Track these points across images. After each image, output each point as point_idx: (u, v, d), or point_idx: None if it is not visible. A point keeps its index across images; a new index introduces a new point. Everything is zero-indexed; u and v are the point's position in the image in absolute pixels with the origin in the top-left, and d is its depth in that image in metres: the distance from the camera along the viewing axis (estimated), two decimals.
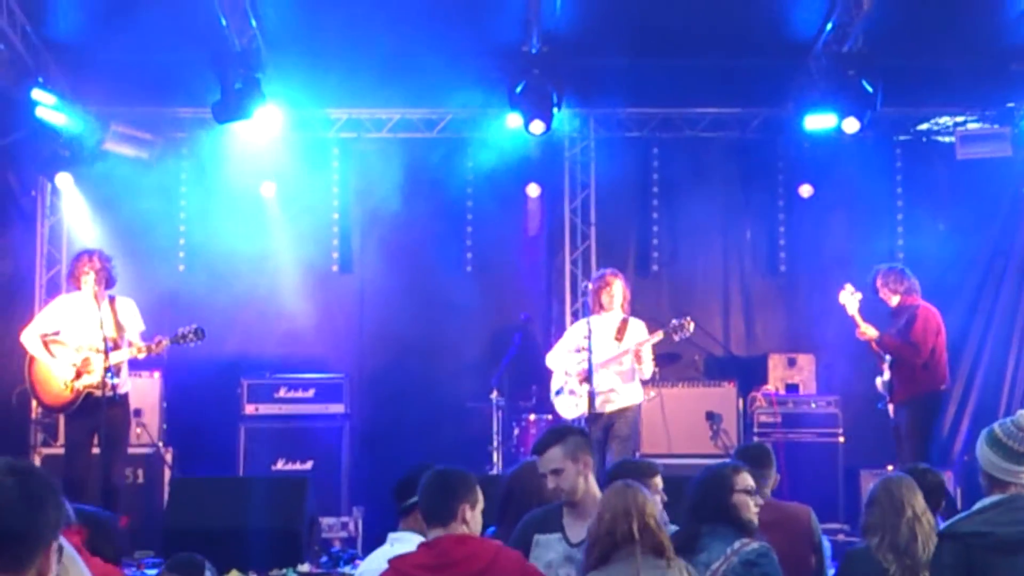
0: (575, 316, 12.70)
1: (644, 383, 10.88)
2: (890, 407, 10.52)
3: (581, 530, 6.41)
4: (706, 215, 13.25)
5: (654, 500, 5.88)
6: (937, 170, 13.16)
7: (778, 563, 6.39)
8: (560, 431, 6.99)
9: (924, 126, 13.27)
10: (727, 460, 7.13)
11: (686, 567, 5.80)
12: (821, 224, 13.20)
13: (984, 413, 12.86)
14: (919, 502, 6.29)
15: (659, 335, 10.59)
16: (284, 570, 9.39)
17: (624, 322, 10.82)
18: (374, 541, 9.59)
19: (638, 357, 10.54)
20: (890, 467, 9.23)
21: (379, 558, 6.22)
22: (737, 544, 6.34)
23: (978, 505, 5.81)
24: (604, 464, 10.46)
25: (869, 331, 10.42)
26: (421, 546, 5.72)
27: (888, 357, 10.45)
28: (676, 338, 10.69)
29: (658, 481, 6.82)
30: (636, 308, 11.16)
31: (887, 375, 10.47)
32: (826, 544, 7.82)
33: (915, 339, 10.48)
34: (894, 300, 10.72)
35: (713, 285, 13.37)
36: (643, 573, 5.71)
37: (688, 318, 10.62)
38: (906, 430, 10.46)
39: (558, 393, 10.93)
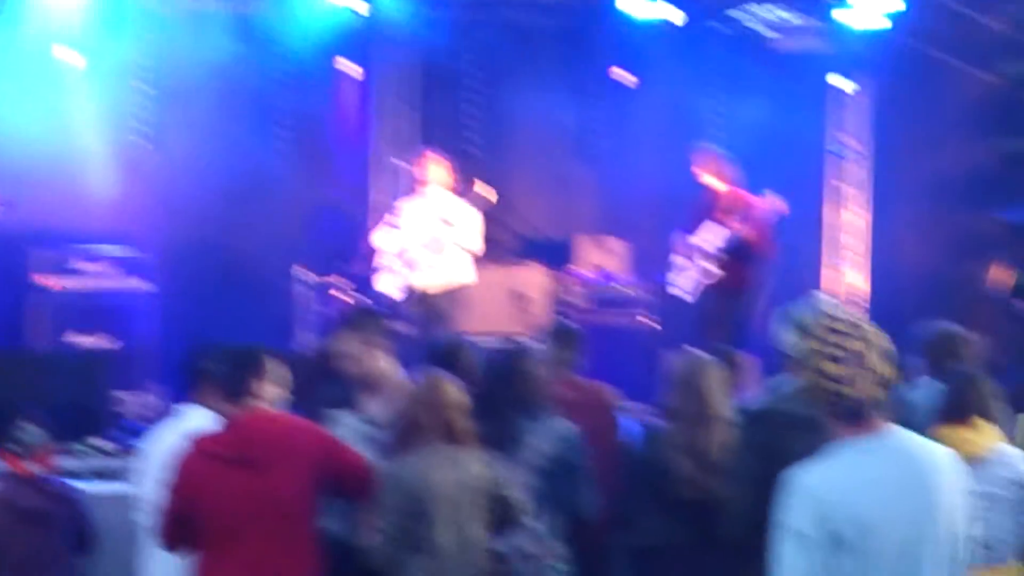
0: (392, 196, 12.63)
1: (464, 263, 10.93)
2: (684, 292, 10.70)
3: (376, 409, 6.42)
4: (524, 98, 13.22)
5: (462, 390, 5.90)
6: (752, 61, 13.28)
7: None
8: (355, 314, 6.98)
9: (741, 16, 13.37)
10: (523, 342, 7.18)
11: (486, 458, 5.84)
12: (636, 109, 13.27)
13: (783, 295, 13.13)
14: (721, 384, 6.40)
15: (473, 209, 10.67)
16: (78, 443, 9.29)
17: (447, 201, 10.83)
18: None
19: (462, 235, 10.59)
20: (695, 349, 9.34)
21: (169, 431, 6.18)
22: (549, 423, 6.41)
23: (777, 385, 5.96)
24: (426, 338, 10.51)
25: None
26: (221, 425, 5.68)
27: (711, 244, 10.57)
28: (480, 207, 10.76)
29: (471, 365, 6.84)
30: (453, 188, 11.15)
31: (699, 263, 10.60)
32: (632, 425, 7.93)
33: (767, 234, 10.65)
34: (721, 186, 10.83)
35: (529, 168, 13.39)
36: (444, 463, 5.74)
37: (483, 184, 10.73)
38: (722, 315, 10.62)
39: (380, 271, 10.90)
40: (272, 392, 5.73)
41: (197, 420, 5.99)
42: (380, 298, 11.08)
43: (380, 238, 11.01)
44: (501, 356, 6.67)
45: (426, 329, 10.63)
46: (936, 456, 4.09)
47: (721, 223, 10.69)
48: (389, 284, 10.90)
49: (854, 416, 4.03)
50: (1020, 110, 12.55)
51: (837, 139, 13.45)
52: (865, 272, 13.45)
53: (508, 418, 6.36)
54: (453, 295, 10.86)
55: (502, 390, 6.43)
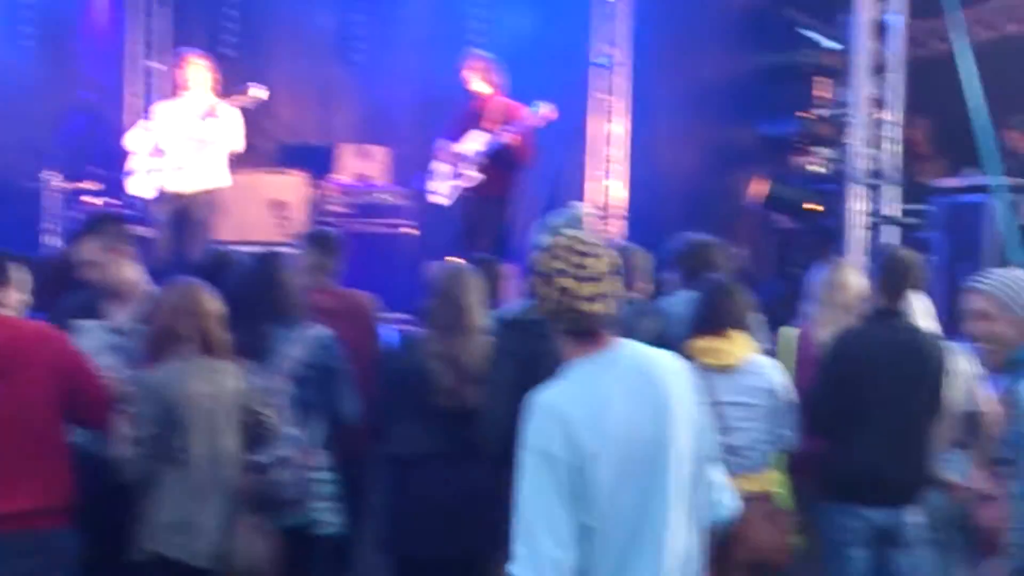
0: (147, 98, 12.31)
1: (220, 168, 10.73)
2: (444, 199, 10.68)
3: (122, 317, 6.26)
4: None
5: (218, 299, 5.78)
6: None
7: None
8: (95, 220, 6.78)
9: None
10: (278, 249, 7.08)
11: (242, 370, 5.76)
12: (397, 14, 13.13)
13: (545, 206, 13.21)
14: (479, 293, 6.39)
15: (239, 100, 10.45)
16: None
17: (210, 104, 10.56)
18: None
19: (221, 137, 10.38)
20: (455, 258, 9.34)
21: None
22: (306, 330, 6.36)
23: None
24: (180, 244, 10.31)
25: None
26: None
27: (473, 151, 10.54)
28: (250, 104, 10.55)
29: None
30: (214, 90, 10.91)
31: (462, 170, 10.56)
32: (391, 333, 7.91)
33: (530, 142, 10.63)
34: (488, 92, 10.77)
35: (288, 71, 13.16)
36: (200, 373, 5.63)
37: (254, 84, 10.53)
38: (484, 224, 10.61)
39: (133, 173, 10.60)
40: (14, 298, 5.56)
41: None
42: (133, 202, 10.80)
43: (133, 140, 10.70)
44: (256, 264, 6.57)
45: (179, 234, 10.41)
46: (667, 365, 4.18)
47: (486, 130, 10.65)
48: (142, 187, 10.61)
49: (589, 334, 4.08)
50: (780, 25, 12.76)
51: (601, 50, 13.49)
52: (626, 183, 13.57)
53: (263, 327, 6.29)
54: (208, 199, 10.64)
55: (257, 298, 6.34)
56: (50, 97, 12.30)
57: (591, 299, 4.03)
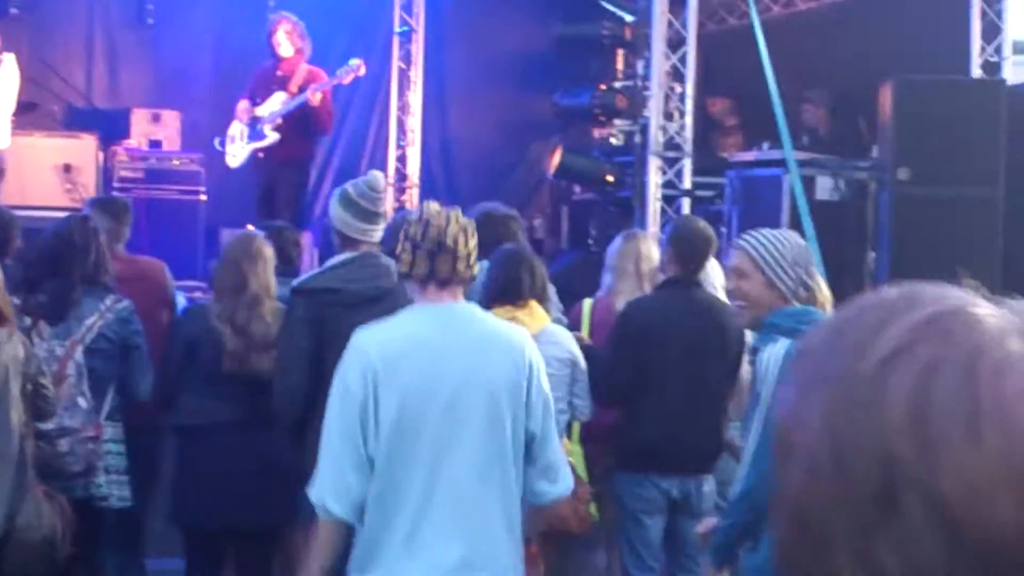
0: None
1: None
2: (238, 164, 10.54)
3: None
4: None
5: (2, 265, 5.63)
6: None
7: None
8: None
9: None
10: (75, 215, 6.92)
11: (20, 336, 5.62)
12: None
13: (344, 175, 13.13)
14: (268, 260, 6.35)
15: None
16: None
17: None
18: None
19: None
20: (249, 226, 9.21)
21: None
22: (109, 300, 6.25)
23: (330, 262, 5.91)
24: None
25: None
26: None
27: (272, 114, 10.38)
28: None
29: None
30: None
31: (262, 132, 10.39)
32: (182, 300, 7.80)
33: (328, 108, 10.49)
34: (290, 53, 10.57)
35: (76, 33, 12.82)
36: None
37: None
38: (281, 190, 10.45)
39: None
40: None
41: None
42: None
43: None
44: (54, 229, 6.42)
45: None
46: (506, 336, 4.37)
47: (286, 92, 10.47)
48: None
49: (423, 286, 4.32)
50: None
51: (401, 17, 13.43)
52: (419, 152, 13.56)
53: (60, 294, 6.15)
54: None
55: (53, 265, 6.21)
56: None
57: (422, 259, 4.27)
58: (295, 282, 6.03)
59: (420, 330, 4.28)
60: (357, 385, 4.16)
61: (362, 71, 10.52)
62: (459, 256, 4.28)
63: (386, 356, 4.19)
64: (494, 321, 4.48)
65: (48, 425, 5.71)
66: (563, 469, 4.46)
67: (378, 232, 5.86)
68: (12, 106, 10.27)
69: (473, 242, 4.36)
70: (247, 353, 6.18)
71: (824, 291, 7.24)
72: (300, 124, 10.44)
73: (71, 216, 6.68)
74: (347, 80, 10.53)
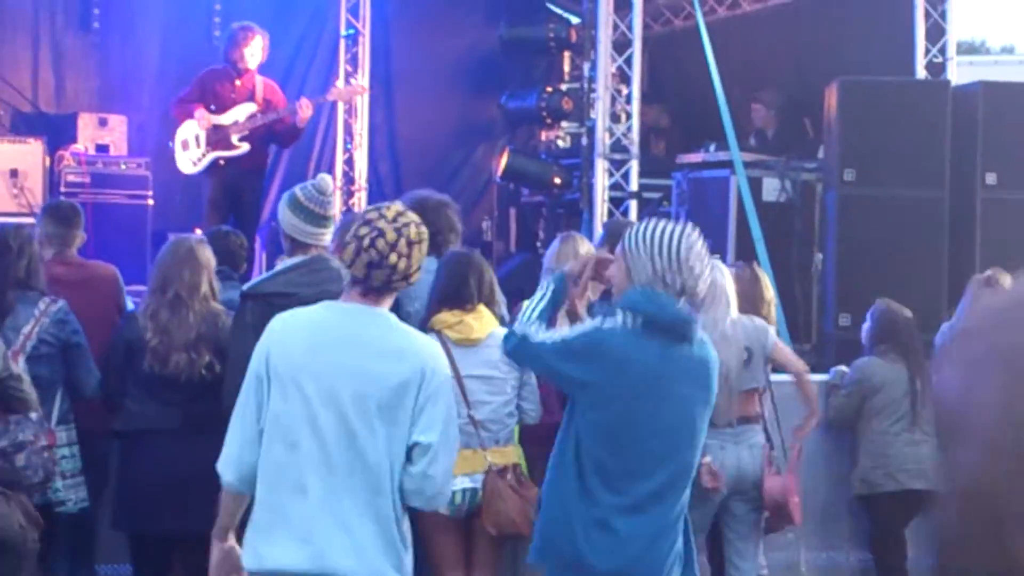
0: None
1: None
2: (190, 169, 10.47)
3: None
4: None
5: None
6: None
7: None
8: None
9: None
10: (15, 221, 6.92)
11: None
12: None
13: (291, 178, 13.11)
14: (207, 264, 6.36)
15: None
16: None
17: None
18: None
19: None
20: (197, 230, 9.19)
21: None
22: (43, 304, 6.25)
23: (280, 266, 5.92)
24: None
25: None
26: None
27: (237, 124, 10.32)
28: None
29: None
30: None
31: (230, 139, 10.33)
32: (131, 305, 7.76)
33: (296, 122, 10.44)
34: (253, 65, 10.49)
35: (22, 38, 12.75)
36: None
37: None
38: (239, 195, 10.37)
39: None
40: None
41: None
42: None
43: None
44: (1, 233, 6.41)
45: None
46: (401, 337, 4.44)
47: (255, 104, 10.38)
48: None
49: (352, 285, 4.42)
50: None
51: (347, 21, 13.42)
52: (367, 155, 13.55)
53: (3, 298, 6.14)
54: None
55: (7, 272, 6.21)
56: None
57: (350, 261, 4.35)
58: (244, 286, 6.03)
59: (326, 322, 4.41)
60: (257, 361, 4.37)
61: (309, 113, 10.45)
62: (397, 272, 4.32)
63: (283, 339, 4.38)
64: (404, 331, 4.48)
65: (2, 443, 5.70)
66: (437, 485, 4.41)
67: (327, 235, 5.87)
68: None
69: (419, 256, 4.37)
70: (168, 353, 6.21)
71: (768, 292, 7.32)
72: (267, 136, 10.40)
73: (4, 224, 6.70)
74: (300, 121, 10.45)
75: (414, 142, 13.65)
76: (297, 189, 5.86)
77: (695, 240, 4.72)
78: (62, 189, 11.31)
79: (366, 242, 4.31)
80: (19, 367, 5.99)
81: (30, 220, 7.25)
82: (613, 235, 6.58)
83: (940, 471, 1.13)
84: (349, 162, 13.48)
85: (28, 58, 12.77)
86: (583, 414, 4.70)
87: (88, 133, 12.13)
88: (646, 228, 4.75)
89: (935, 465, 4.72)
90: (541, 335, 4.78)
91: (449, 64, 13.51)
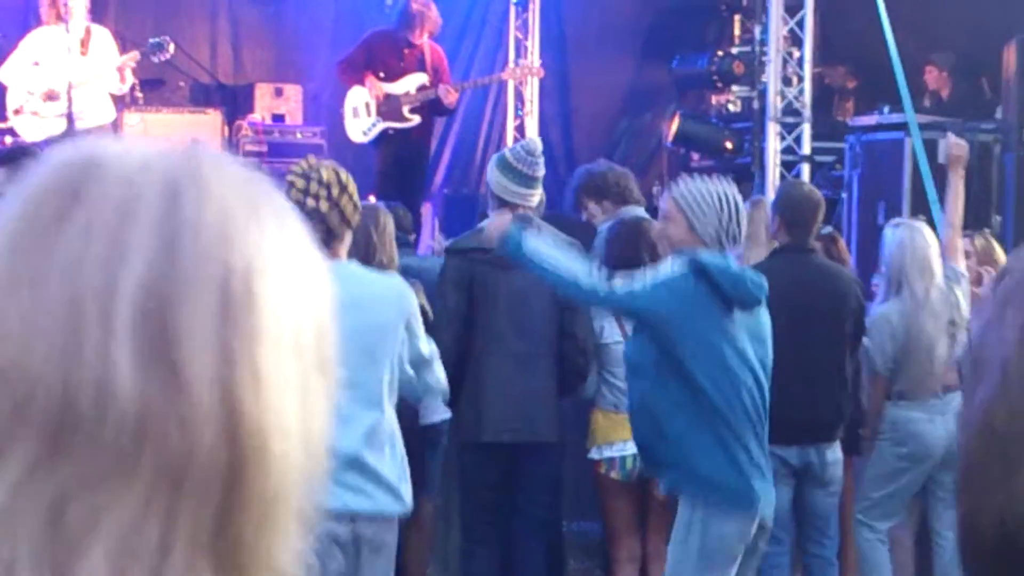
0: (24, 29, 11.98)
1: (123, 103, 10.52)
2: (363, 138, 10.63)
3: None
4: None
5: None
6: None
7: None
8: (7, 154, 6.71)
9: None
10: None
11: None
12: None
13: (462, 146, 13.26)
14: (391, 234, 6.49)
15: (135, 55, 10.12)
16: None
17: (88, 32, 10.01)
18: None
19: (121, 75, 10.05)
20: (371, 197, 9.32)
21: None
22: None
23: (482, 224, 6.10)
24: None
25: None
26: None
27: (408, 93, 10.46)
28: (155, 59, 10.27)
29: None
30: (123, 32, 10.73)
31: (399, 110, 10.47)
32: None
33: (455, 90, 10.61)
34: (426, 38, 10.62)
35: (200, 11, 13.04)
36: None
37: (167, 37, 10.25)
38: (408, 164, 10.52)
39: (17, 112, 10.17)
40: None
41: None
42: (21, 143, 10.41)
43: (8, 74, 10.13)
44: None
45: None
46: (380, 283, 4.89)
47: (425, 74, 10.49)
48: (32, 127, 10.14)
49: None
50: None
51: None
52: (537, 122, 13.60)
53: None
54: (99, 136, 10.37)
55: None
56: None
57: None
58: (447, 242, 6.20)
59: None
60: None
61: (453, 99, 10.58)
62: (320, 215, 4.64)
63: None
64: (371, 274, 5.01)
65: None
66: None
67: (535, 196, 6.08)
68: (114, 89, 10.24)
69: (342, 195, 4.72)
70: None
71: (1002, 256, 7.19)
72: (433, 105, 10.53)
73: None
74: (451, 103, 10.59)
75: (584, 107, 13.68)
76: (506, 150, 6.09)
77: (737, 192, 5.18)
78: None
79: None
80: None
81: None
82: (788, 205, 6.55)
83: (963, 410, 1.13)
84: (520, 128, 13.55)
85: (207, 31, 13.06)
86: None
87: (265, 103, 12.38)
88: (701, 187, 5.05)
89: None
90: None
91: (619, 29, 13.49)
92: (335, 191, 4.65)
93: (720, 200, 5.03)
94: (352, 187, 4.78)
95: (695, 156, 12.71)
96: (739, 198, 5.15)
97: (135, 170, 0.99)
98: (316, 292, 1.02)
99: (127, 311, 0.93)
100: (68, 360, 0.92)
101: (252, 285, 0.96)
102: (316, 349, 1.01)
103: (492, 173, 6.02)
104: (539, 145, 6.17)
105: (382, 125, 10.51)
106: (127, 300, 0.93)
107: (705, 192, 5.04)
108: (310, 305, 1.01)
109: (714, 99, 12.73)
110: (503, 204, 5.96)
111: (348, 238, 4.81)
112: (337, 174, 4.71)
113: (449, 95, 10.38)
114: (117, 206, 0.96)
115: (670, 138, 12.41)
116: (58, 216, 0.96)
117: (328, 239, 4.62)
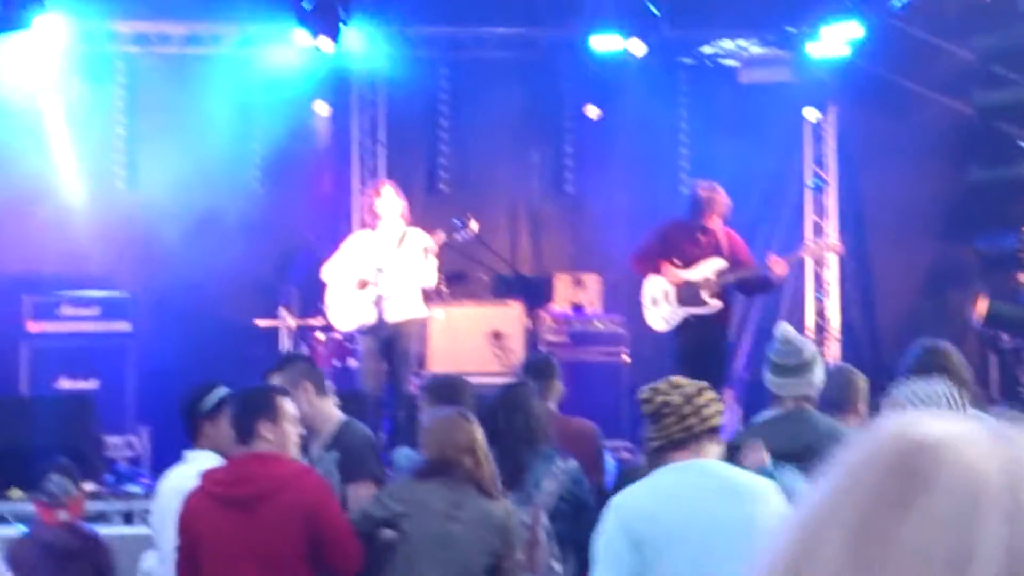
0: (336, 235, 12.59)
1: (429, 299, 10.89)
2: (663, 326, 10.71)
3: (315, 448, 6.51)
4: (494, 135, 13.29)
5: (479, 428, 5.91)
6: (720, 94, 13.34)
7: None
8: (282, 360, 7.06)
9: (708, 50, 13.44)
10: (521, 379, 7.17)
11: (511, 507, 5.84)
12: (607, 145, 13.32)
13: (762, 332, 13.19)
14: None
15: (441, 235, 10.53)
16: None
17: (403, 232, 10.58)
18: (160, 460, 9.46)
19: (415, 270, 10.43)
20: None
21: (179, 475, 6.17)
22: (561, 463, 6.34)
23: (757, 418, 6.09)
24: (393, 375, 10.45)
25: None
26: (225, 463, 5.73)
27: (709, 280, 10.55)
28: (459, 238, 10.63)
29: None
30: (425, 228, 11.16)
31: (702, 296, 10.54)
32: (610, 461, 7.94)
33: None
34: (719, 224, 10.77)
35: (500, 205, 13.42)
36: (468, 503, 5.73)
37: (469, 214, 10.65)
38: (707, 349, 10.53)
39: (333, 306, 10.72)
40: (289, 433, 5.74)
41: (205, 463, 5.95)
42: (352, 335, 10.91)
43: (329, 272, 10.81)
44: (504, 392, 6.67)
45: (387, 365, 10.47)
46: (744, 481, 4.65)
47: (721, 258, 10.60)
48: (343, 319, 10.75)
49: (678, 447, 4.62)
50: (987, 139, 12.61)
51: (814, 172, 13.51)
52: (839, 304, 13.48)
53: (516, 456, 6.33)
54: (418, 330, 10.78)
55: (507, 427, 6.42)
56: (279, 236, 12.72)
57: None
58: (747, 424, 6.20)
59: (666, 482, 4.65)
60: (616, 538, 4.58)
61: (783, 272, 10.67)
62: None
63: (636, 506, 4.64)
64: (736, 471, 4.78)
65: None
66: None
67: (796, 385, 5.93)
68: (426, 283, 10.72)
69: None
70: None
71: None
72: (758, 283, 10.62)
73: (509, 382, 6.95)
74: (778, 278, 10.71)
75: (885, 289, 13.50)
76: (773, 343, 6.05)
77: None
78: (541, 348, 11.76)
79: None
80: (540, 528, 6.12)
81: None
82: None
83: None
84: (820, 312, 13.44)
85: (506, 223, 13.42)
86: None
87: (564, 293, 12.60)
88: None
89: None
90: None
91: (919, 208, 13.34)
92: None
93: None
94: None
95: (1005, 337, 12.39)
96: None
97: (976, 456, 0.96)
98: None
99: None
100: None
101: None
102: None
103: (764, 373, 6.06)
104: (787, 330, 6.10)
105: (684, 311, 10.60)
106: None
107: None
108: None
109: (1022, 277, 12.43)
110: (773, 397, 5.97)
111: None
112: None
113: (778, 266, 10.43)
114: (962, 497, 0.94)
115: (980, 320, 12.15)
116: (901, 502, 0.95)
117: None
